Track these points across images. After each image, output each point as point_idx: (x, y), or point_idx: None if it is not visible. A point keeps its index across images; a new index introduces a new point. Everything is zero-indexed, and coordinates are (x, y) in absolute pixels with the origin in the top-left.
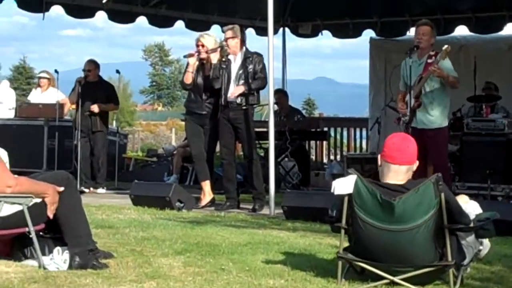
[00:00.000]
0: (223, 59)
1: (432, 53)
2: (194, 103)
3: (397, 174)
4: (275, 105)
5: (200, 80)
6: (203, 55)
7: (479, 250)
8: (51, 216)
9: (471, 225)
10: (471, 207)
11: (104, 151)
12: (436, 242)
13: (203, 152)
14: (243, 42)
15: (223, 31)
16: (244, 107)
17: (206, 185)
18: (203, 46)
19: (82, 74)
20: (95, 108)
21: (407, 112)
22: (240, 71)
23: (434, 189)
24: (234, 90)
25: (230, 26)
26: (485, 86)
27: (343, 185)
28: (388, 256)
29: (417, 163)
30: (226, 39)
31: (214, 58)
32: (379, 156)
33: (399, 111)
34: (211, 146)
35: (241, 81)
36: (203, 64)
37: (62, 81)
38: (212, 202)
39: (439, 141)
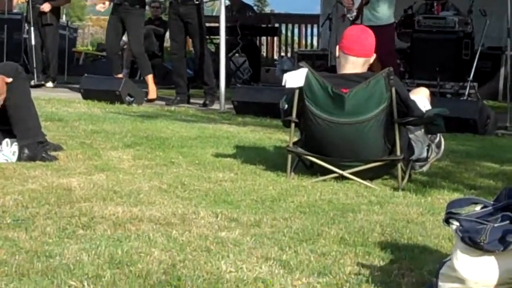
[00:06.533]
0: None
1: None
2: None
3: (354, 66)
4: (227, 0)
5: None
6: None
7: (437, 152)
8: None
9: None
10: (421, 102)
11: (54, 44)
12: (386, 137)
13: (114, 46)
14: None
15: None
16: (196, 2)
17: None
18: None
19: None
20: (45, 8)
21: (353, 8)
22: None
23: (385, 83)
24: None
25: None
26: None
27: (295, 78)
28: (338, 150)
29: (374, 56)
30: None
31: None
32: (337, 47)
33: (344, 6)
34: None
35: None
36: None
37: None
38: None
39: (386, 37)
